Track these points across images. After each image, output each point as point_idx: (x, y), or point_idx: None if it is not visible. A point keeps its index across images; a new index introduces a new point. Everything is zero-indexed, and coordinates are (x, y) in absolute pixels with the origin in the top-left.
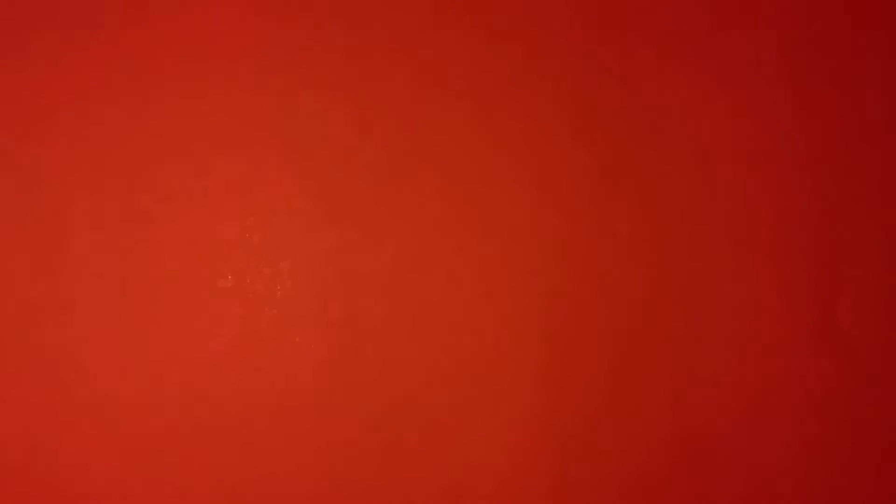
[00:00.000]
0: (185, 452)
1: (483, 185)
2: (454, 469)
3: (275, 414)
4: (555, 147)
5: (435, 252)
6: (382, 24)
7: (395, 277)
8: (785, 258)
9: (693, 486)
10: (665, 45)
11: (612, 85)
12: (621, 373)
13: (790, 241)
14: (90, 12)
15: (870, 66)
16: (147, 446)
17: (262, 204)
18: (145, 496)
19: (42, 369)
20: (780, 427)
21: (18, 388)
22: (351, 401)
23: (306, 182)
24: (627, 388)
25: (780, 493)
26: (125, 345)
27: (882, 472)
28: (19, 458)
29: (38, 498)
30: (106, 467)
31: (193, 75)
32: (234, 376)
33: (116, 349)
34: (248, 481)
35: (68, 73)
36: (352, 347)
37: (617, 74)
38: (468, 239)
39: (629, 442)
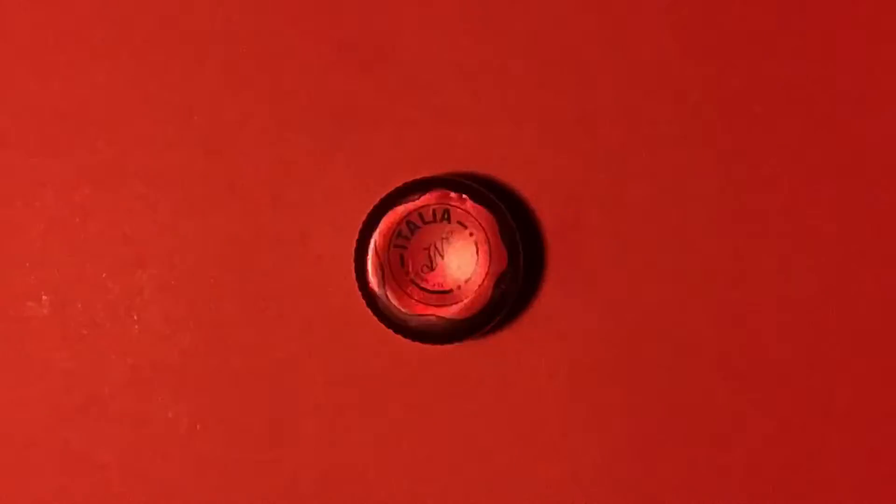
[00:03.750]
0: None
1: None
2: None
3: None
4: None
5: None
6: None
7: (326, 298)
8: None
9: None
10: None
11: None
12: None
13: None
14: None
15: None
16: None
17: (102, 171)
18: None
19: None
20: None
21: None
22: None
23: (180, 141)
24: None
25: None
26: None
27: None
28: None
29: None
30: None
31: None
32: (59, 478)
33: None
34: None
35: None
36: (271, 423)
37: None
38: None
39: None
